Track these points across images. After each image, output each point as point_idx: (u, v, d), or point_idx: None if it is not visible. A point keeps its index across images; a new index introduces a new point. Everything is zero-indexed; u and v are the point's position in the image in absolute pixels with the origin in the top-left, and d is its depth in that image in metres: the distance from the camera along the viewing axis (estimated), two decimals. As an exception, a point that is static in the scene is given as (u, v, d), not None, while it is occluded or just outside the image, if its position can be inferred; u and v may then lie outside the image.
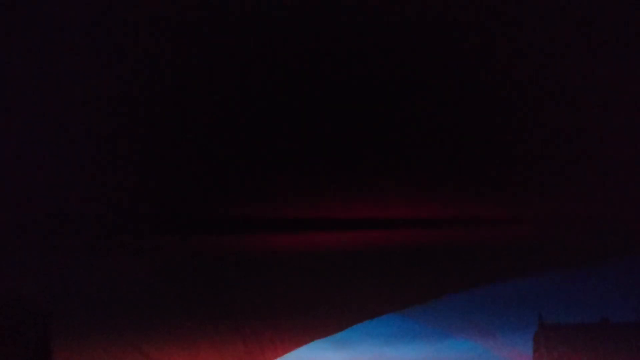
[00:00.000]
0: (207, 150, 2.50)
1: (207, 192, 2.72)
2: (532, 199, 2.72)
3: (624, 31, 1.93)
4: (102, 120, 2.27)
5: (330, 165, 2.56)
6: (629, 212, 2.81)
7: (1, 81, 2.03)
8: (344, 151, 2.47)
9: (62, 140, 2.38)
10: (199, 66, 2.03)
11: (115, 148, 2.46)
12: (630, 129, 2.24)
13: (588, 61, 2.02)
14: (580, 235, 3.18)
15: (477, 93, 2.10)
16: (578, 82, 2.07)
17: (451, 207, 2.75)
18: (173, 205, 2.80)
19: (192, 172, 2.63)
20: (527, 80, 2.06)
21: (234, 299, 4.08)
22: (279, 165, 2.52)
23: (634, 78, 2.04)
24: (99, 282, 3.33)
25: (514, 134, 2.28)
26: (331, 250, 3.08)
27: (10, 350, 2.22)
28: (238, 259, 3.25)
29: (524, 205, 2.79)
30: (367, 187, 2.64)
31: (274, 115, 2.28)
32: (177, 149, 2.49)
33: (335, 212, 2.78)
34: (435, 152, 2.43)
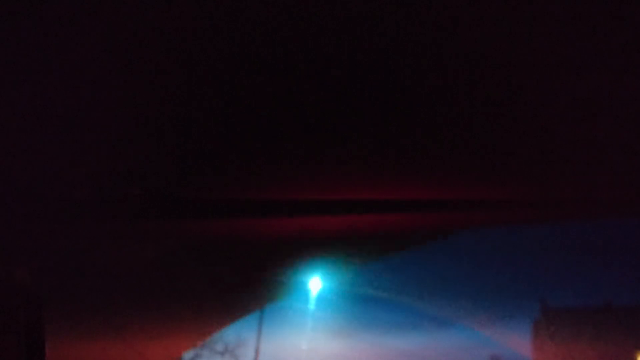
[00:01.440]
0: (196, 132, 2.44)
1: (195, 175, 2.67)
2: (532, 181, 2.64)
3: (621, 23, 1.86)
4: (92, 104, 2.23)
5: (320, 147, 2.49)
6: (632, 196, 2.74)
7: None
8: (334, 132, 2.40)
9: (52, 123, 2.33)
10: (186, 52, 1.96)
11: (106, 132, 2.41)
12: (629, 112, 2.17)
13: (588, 48, 1.94)
14: (582, 218, 3.10)
15: (471, 71, 2.02)
16: (578, 65, 1.99)
17: (447, 189, 2.67)
18: (163, 190, 2.76)
19: (181, 156, 2.58)
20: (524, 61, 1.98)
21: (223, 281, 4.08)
22: (265, 147, 2.46)
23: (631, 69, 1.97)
24: (90, 266, 3.31)
25: (516, 113, 2.20)
26: (325, 233, 3.03)
27: (3, 336, 2.18)
28: (228, 242, 3.21)
29: (523, 188, 2.71)
30: (359, 169, 2.57)
31: (262, 96, 2.22)
32: (165, 134, 2.44)
33: (327, 194, 2.72)
34: (430, 131, 2.35)
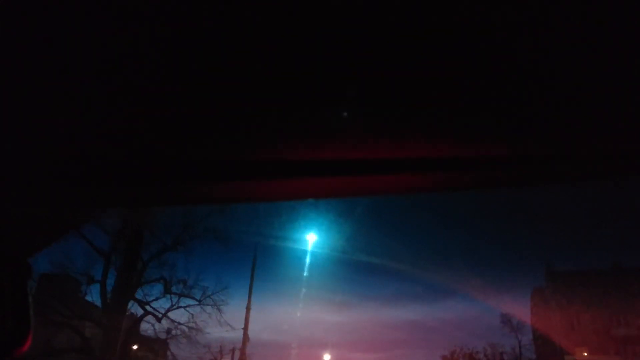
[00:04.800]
0: (189, 91, 2.38)
1: (186, 137, 2.62)
2: (536, 137, 2.58)
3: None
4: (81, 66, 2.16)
5: (317, 106, 2.44)
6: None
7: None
8: (331, 92, 2.35)
9: (40, 82, 2.27)
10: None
11: (97, 93, 2.35)
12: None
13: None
14: (591, 178, 3.05)
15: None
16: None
17: (447, 146, 2.62)
18: (156, 152, 2.71)
19: (173, 116, 2.52)
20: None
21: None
22: (259, 106, 2.40)
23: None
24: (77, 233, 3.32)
25: (521, 61, 2.14)
26: (322, 194, 2.99)
27: None
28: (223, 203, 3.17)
29: (527, 145, 2.66)
30: (357, 128, 2.52)
31: (254, 52, 2.15)
32: (156, 95, 2.38)
33: (323, 154, 2.67)
34: (429, 86, 2.29)
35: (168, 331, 36.49)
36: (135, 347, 38.13)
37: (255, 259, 34.76)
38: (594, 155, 2.61)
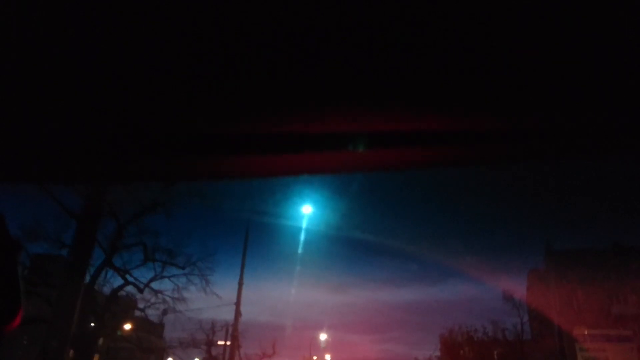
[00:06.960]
0: (185, 62, 2.38)
1: (182, 110, 2.62)
2: (534, 111, 2.59)
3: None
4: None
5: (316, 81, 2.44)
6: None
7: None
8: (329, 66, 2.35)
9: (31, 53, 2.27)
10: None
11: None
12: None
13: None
14: (591, 155, 3.07)
15: None
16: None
17: (441, 119, 2.63)
18: (153, 126, 2.71)
19: (170, 88, 2.52)
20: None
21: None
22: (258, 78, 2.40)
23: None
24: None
25: (523, 36, 2.15)
26: (318, 169, 3.00)
27: None
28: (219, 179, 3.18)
29: (526, 119, 2.67)
30: (353, 99, 2.53)
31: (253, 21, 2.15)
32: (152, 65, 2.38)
33: (319, 127, 2.68)
34: (429, 58, 2.30)
35: (149, 301, 34.67)
36: (128, 326, 37.37)
37: (248, 231, 33.84)
38: (592, 130, 2.62)
